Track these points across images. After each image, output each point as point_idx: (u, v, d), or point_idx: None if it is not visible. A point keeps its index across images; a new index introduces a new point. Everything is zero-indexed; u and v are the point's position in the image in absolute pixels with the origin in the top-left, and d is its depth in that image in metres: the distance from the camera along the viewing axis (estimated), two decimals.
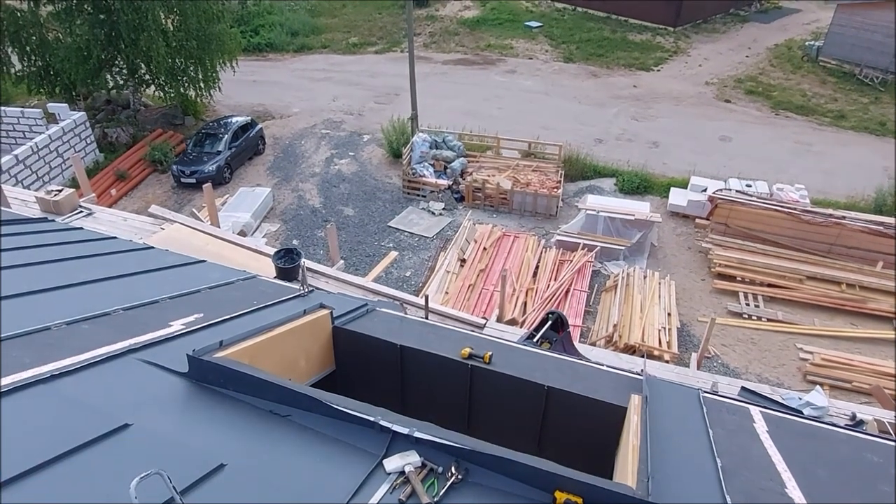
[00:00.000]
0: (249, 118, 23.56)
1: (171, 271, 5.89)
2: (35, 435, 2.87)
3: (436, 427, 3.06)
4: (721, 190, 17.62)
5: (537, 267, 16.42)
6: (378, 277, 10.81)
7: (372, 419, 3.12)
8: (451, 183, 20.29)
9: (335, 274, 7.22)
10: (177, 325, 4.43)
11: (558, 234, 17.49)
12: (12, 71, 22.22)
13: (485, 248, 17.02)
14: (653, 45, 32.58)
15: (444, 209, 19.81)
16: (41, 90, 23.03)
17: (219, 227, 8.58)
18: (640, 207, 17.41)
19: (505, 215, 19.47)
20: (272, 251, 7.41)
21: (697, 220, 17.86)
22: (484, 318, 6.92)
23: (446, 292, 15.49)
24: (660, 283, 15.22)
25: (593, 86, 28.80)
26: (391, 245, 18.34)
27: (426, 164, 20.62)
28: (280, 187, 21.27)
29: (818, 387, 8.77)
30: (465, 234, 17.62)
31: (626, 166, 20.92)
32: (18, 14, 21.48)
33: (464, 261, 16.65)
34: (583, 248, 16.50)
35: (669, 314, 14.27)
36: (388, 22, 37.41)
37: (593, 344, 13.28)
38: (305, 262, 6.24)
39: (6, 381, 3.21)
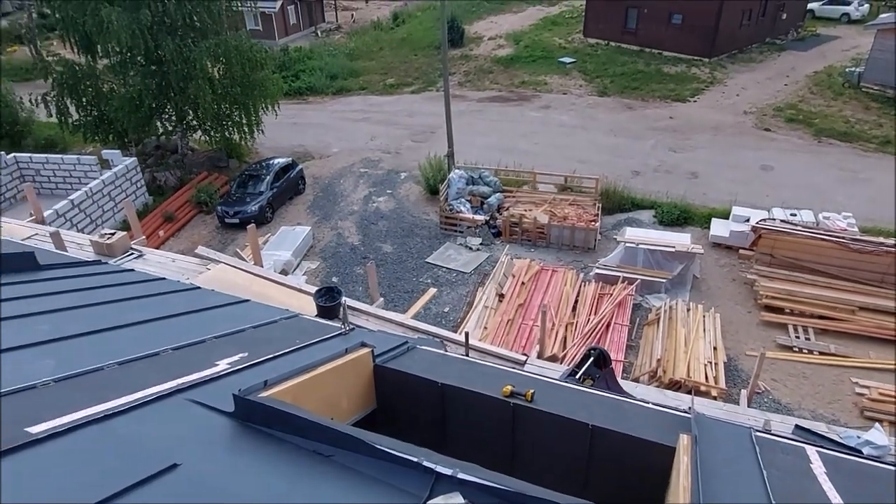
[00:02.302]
0: (290, 159, 24.26)
1: (216, 311, 6.04)
2: (91, 473, 2.95)
3: (480, 468, 3.03)
4: (765, 220, 17.24)
5: (576, 301, 16.24)
6: (417, 314, 10.84)
7: (415, 460, 3.10)
8: (487, 218, 20.39)
9: (375, 311, 7.28)
10: (223, 365, 4.52)
11: (597, 268, 17.31)
12: (70, 120, 23.46)
13: (523, 283, 16.93)
14: (688, 76, 32.49)
15: (481, 244, 19.86)
16: (96, 138, 24.23)
17: (262, 266, 8.79)
18: (680, 239, 17.13)
19: (542, 249, 19.40)
20: (313, 290, 7.53)
21: (741, 251, 17.47)
22: (524, 354, 6.85)
23: (485, 328, 15.41)
24: (704, 316, 14.85)
25: (629, 118, 28.78)
26: (429, 281, 18.41)
27: (463, 200, 20.79)
28: (320, 225, 21.70)
29: (877, 424, 8.34)
30: (503, 268, 17.59)
31: (665, 198, 20.70)
32: (77, 68, 22.78)
33: (502, 296, 16.58)
34: (623, 282, 16.26)
35: (715, 348, 13.87)
36: (424, 63, 38.32)
37: (636, 380, 12.96)
38: (346, 301, 6.33)
39: (65, 420, 3.32)
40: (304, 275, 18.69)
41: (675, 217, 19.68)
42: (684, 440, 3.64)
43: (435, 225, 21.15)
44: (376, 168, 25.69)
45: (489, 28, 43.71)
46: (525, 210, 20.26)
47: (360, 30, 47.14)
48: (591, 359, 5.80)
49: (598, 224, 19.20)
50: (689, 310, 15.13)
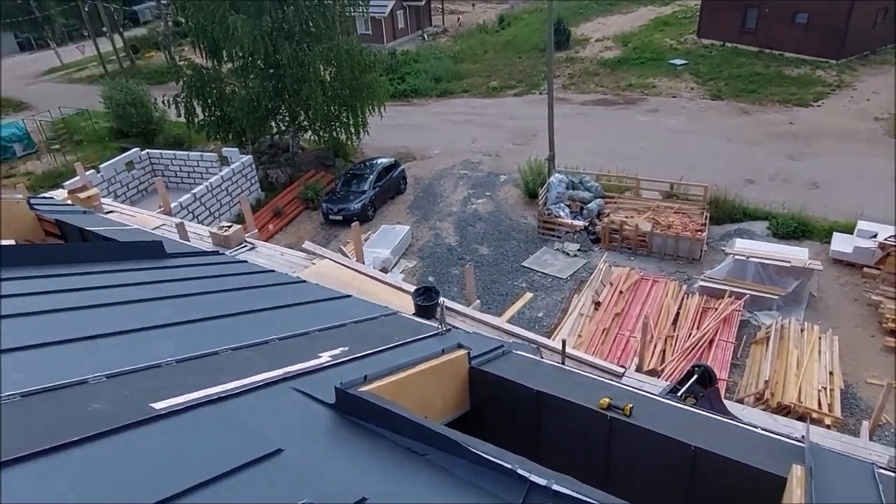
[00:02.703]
0: (393, 159, 24.92)
1: (320, 304, 6.30)
2: (204, 451, 3.16)
3: (575, 481, 2.95)
4: (894, 236, 15.67)
5: (678, 314, 15.52)
6: (512, 318, 10.79)
7: (509, 466, 3.08)
8: (587, 224, 19.94)
9: (471, 313, 7.32)
10: (325, 357, 4.71)
11: (702, 280, 16.46)
12: (196, 120, 25.38)
13: (621, 292, 16.41)
14: (812, 79, 30.18)
15: (579, 250, 19.46)
16: (217, 136, 26.05)
17: (363, 263, 9.08)
18: (796, 253, 15.93)
19: (643, 258, 18.72)
20: (412, 289, 7.68)
21: (865, 270, 15.99)
22: (622, 366, 6.63)
23: (579, 335, 15.07)
24: (820, 338, 13.71)
25: (743, 123, 27.15)
26: (524, 285, 18.27)
27: (562, 204, 20.47)
28: (419, 225, 22.10)
29: None
30: (601, 276, 17.13)
31: (781, 209, 19.32)
32: (204, 71, 24.60)
33: (598, 304, 16.15)
34: (730, 296, 15.36)
35: (831, 373, 12.77)
36: (528, 65, 38.08)
37: (740, 401, 12.19)
38: (444, 301, 6.40)
39: (183, 399, 3.58)
40: (401, 273, 19.12)
41: (792, 230, 18.32)
42: (798, 471, 3.37)
43: (532, 229, 20.96)
44: (476, 170, 25.84)
45: (596, 29, 42.75)
46: (626, 217, 19.62)
47: (466, 33, 47.59)
48: (695, 376, 5.52)
49: (704, 234, 18.24)
50: (803, 330, 14.04)
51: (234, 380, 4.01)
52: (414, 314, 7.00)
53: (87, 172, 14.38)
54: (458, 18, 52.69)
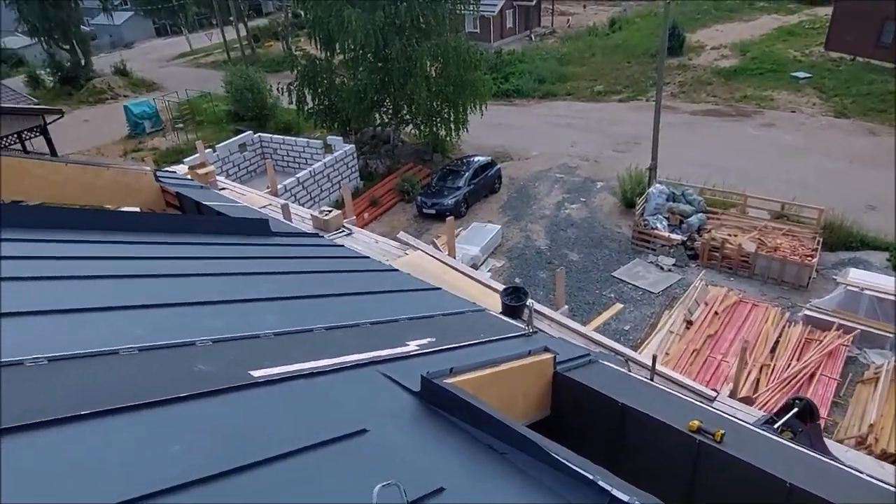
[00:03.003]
0: (490, 158, 24.97)
1: (411, 294, 6.42)
2: (294, 422, 3.31)
3: (660, 502, 2.85)
4: None
5: (777, 342, 14.59)
6: (599, 327, 10.54)
7: (591, 477, 3.01)
8: (685, 238, 19.12)
9: (558, 318, 7.21)
10: (412, 346, 4.79)
11: (808, 309, 15.36)
12: (305, 108, 26.55)
13: (716, 313, 15.62)
14: None
15: (674, 265, 18.71)
16: (324, 125, 27.14)
17: (455, 258, 9.18)
18: None
19: (744, 280, 17.72)
20: (501, 287, 7.67)
21: None
22: (714, 389, 6.31)
23: (667, 353, 14.49)
24: None
25: (870, 145, 25.06)
26: (612, 295, 17.80)
27: (660, 216, 19.73)
28: (510, 226, 22.03)
29: None
30: (696, 294, 16.37)
31: None
32: (317, 62, 25.68)
33: (690, 322, 15.46)
34: (837, 329, 14.24)
35: None
36: (636, 70, 36.96)
37: (840, 441, 11.27)
38: (532, 303, 6.35)
39: (279, 370, 3.77)
40: (488, 272, 19.14)
41: None
42: None
43: (626, 239, 20.36)
44: (573, 175, 25.40)
45: (713, 37, 40.77)
46: (729, 235, 18.63)
47: (575, 35, 46.81)
48: (795, 409, 5.15)
49: (815, 260, 17.00)
50: None
51: (326, 358, 4.16)
52: (501, 313, 6.99)
53: (205, 151, 15.41)
54: (568, 20, 51.90)
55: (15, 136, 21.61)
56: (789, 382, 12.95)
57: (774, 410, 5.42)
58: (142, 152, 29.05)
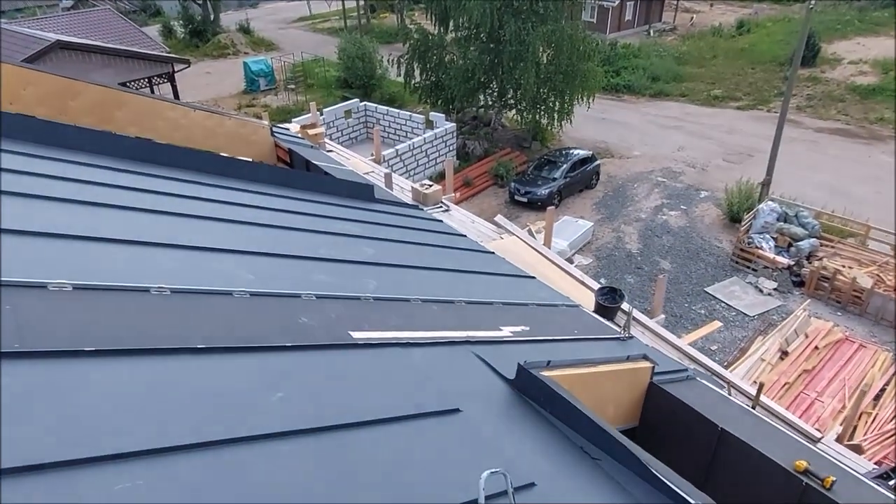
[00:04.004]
0: (590, 153, 24.27)
1: (505, 279, 6.31)
2: (392, 390, 3.30)
3: None
4: None
5: (883, 390, 13.39)
6: (695, 343, 10.05)
7: (692, 501, 2.82)
8: (792, 263, 17.87)
9: (653, 326, 6.90)
10: (506, 331, 4.70)
11: None
12: (412, 82, 26.75)
13: (816, 347, 14.53)
14: None
15: (775, 289, 17.56)
16: (428, 101, 27.25)
17: (550, 249, 8.98)
18: None
19: (853, 317, 16.38)
20: (595, 285, 7.42)
21: None
22: (818, 430, 5.83)
23: (755, 382, 13.64)
24: None
25: None
26: (703, 311, 16.96)
27: (767, 236, 18.53)
28: (602, 224, 21.40)
29: None
30: (796, 324, 15.27)
31: None
32: (430, 37, 25.75)
33: (786, 353, 14.45)
34: None
35: None
36: (760, 78, 34.72)
37: None
38: (632, 309, 6.09)
39: (377, 335, 3.77)
40: (574, 266, 18.71)
41: None
42: None
43: (726, 255, 19.28)
44: (676, 180, 24.28)
45: (853, 50, 37.54)
46: (844, 266, 17.22)
47: (697, 34, 44.49)
48: None
49: None
50: None
51: (422, 330, 4.14)
52: (594, 311, 6.76)
53: (316, 113, 15.84)
54: (692, 18, 49.36)
55: (146, 80, 23.14)
56: (892, 435, 11.86)
57: (892, 465, 4.93)
58: (254, 108, 30.34)
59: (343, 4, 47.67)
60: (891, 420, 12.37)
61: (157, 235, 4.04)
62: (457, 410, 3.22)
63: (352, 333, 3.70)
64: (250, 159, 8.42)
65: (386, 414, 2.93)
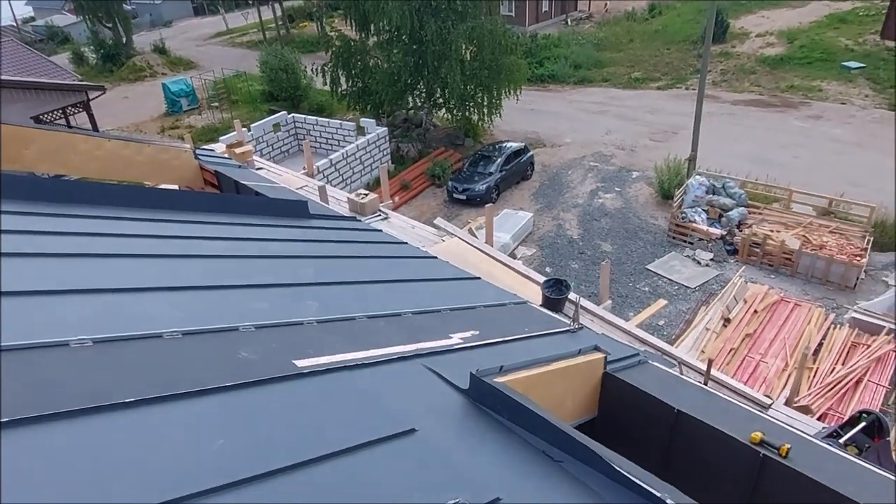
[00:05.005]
0: (523, 144, 24.58)
1: (450, 283, 6.23)
2: (342, 418, 3.15)
3: None
4: None
5: (820, 345, 14.08)
6: (642, 324, 10.24)
7: (658, 495, 2.80)
8: (724, 233, 18.58)
9: (601, 313, 6.96)
10: (456, 339, 4.61)
11: (855, 311, 14.77)
12: (339, 90, 26.40)
13: (755, 311, 15.15)
14: None
15: (712, 260, 18.21)
16: (357, 107, 26.99)
17: (492, 245, 8.96)
18: None
19: (785, 278, 17.17)
20: (540, 278, 7.44)
21: None
22: (768, 396, 6.01)
23: (702, 351, 14.10)
24: None
25: None
26: (647, 289, 17.42)
27: (699, 209, 19.20)
28: (541, 214, 21.69)
29: None
30: (734, 291, 15.87)
31: None
32: (351, 43, 25.47)
33: (728, 321, 15.01)
34: (888, 334, 13.65)
35: None
36: (676, 58, 36.00)
37: None
38: (580, 299, 6.11)
39: (323, 360, 3.61)
40: (519, 259, 18.87)
41: None
42: None
43: (662, 231, 19.87)
44: (608, 163, 24.87)
45: (759, 23, 39.43)
46: (772, 230, 18.02)
47: (612, 20, 45.77)
48: (864, 424, 4.84)
49: (864, 260, 16.34)
50: None
51: (370, 349, 4.00)
52: (540, 305, 6.76)
53: (242, 130, 15.36)
54: (605, 4, 50.72)
55: (60, 111, 21.95)
56: (833, 388, 12.48)
57: (839, 422, 5.13)
58: (178, 130, 29.29)
59: (260, 16, 46.67)
60: (830, 373, 13.00)
61: (73, 282, 3.76)
62: (412, 431, 3.11)
63: (296, 362, 3.53)
64: (175, 186, 8.06)
65: (338, 446, 2.78)
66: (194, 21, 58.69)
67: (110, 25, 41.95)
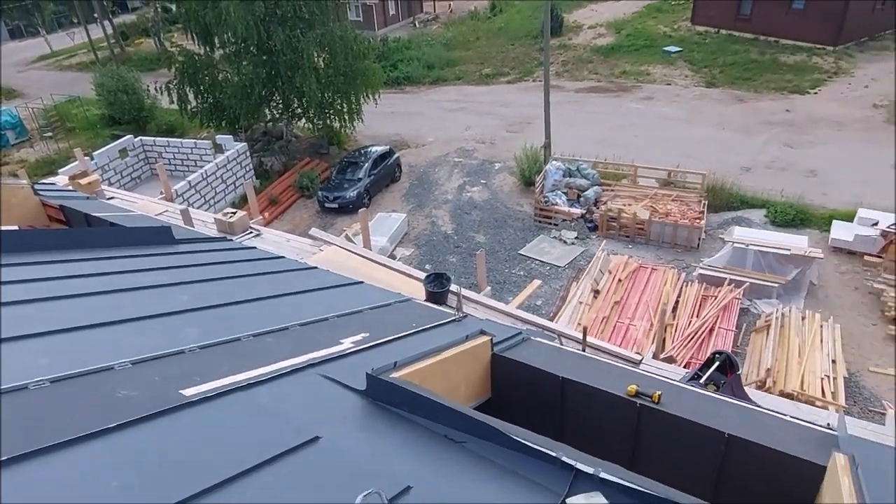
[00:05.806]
0: (388, 147, 24.71)
1: (334, 291, 6.21)
2: (241, 440, 3.08)
3: (622, 469, 2.92)
4: None
5: (677, 302, 15.57)
6: (521, 305, 10.74)
7: (553, 454, 3.03)
8: (584, 212, 19.93)
9: (482, 300, 7.27)
10: (347, 343, 4.63)
11: (701, 268, 16.50)
12: (189, 107, 25.00)
13: (620, 280, 16.43)
14: (808, 66, 30.24)
15: (576, 238, 19.45)
16: (211, 124, 25.70)
17: (370, 249, 9.00)
18: (796, 242, 16.00)
19: (641, 246, 18.74)
20: (422, 275, 7.61)
21: (866, 258, 16.10)
22: (638, 353, 6.61)
23: (579, 323, 15.08)
24: (822, 326, 13.79)
25: (739, 111, 27.19)
26: (522, 273, 18.25)
27: (559, 192, 20.42)
28: (414, 213, 21.98)
29: None
30: (599, 264, 17.13)
31: (779, 197, 19.38)
32: (196, 58, 24.20)
33: (597, 292, 16.16)
34: (729, 284, 15.41)
35: (834, 361, 12.84)
36: (521, 52, 37.88)
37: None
38: (461, 289, 6.34)
39: (213, 385, 3.50)
40: (398, 261, 19.01)
41: (791, 218, 18.40)
42: (840, 460, 3.35)
43: (529, 217, 20.91)
44: (471, 158, 25.70)
45: (589, 16, 42.56)
46: (624, 204, 19.62)
47: (458, 20, 47.22)
48: (717, 363, 5.50)
49: (703, 222, 18.28)
50: (804, 318, 14.12)
51: (260, 366, 3.93)
52: (425, 300, 6.93)
53: (84, 159, 14.10)
54: (450, 5, 52.22)
55: None
56: (692, 338, 13.88)
57: (698, 366, 5.76)
58: (9, 166, 26.23)
59: (89, 35, 42.91)
60: (688, 326, 14.44)
61: None
62: (316, 439, 3.12)
63: (183, 392, 3.39)
64: (15, 227, 7.30)
65: (242, 466, 2.74)
66: (11, 45, 52.65)
67: None
